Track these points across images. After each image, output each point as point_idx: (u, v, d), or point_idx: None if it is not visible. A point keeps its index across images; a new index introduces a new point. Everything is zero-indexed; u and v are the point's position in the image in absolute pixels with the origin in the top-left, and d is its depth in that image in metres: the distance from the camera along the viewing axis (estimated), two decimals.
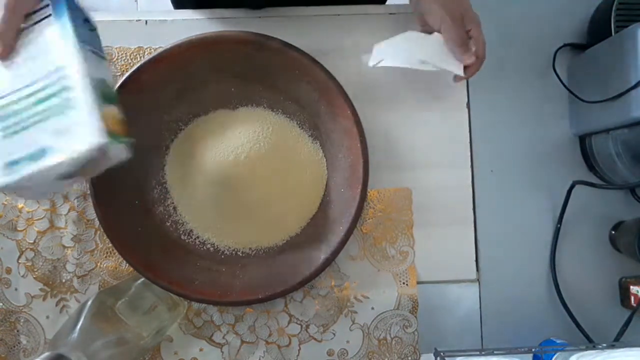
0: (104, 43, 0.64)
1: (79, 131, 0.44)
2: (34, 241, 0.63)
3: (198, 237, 0.64)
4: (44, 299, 0.63)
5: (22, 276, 0.63)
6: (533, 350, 0.57)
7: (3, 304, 0.63)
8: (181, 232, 0.64)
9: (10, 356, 0.63)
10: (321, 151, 0.65)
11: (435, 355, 0.56)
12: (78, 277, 0.63)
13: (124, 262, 0.62)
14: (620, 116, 0.58)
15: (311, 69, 0.61)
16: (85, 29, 0.49)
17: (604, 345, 0.55)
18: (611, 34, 0.61)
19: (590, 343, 0.62)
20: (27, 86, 0.46)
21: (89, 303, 0.56)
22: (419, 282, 0.65)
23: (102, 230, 0.62)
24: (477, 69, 0.59)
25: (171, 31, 0.65)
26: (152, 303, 0.60)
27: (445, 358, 0.55)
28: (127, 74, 0.60)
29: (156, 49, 0.64)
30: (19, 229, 0.63)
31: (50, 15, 0.47)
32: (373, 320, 0.65)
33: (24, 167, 0.44)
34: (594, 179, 0.66)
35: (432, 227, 0.65)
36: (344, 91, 0.62)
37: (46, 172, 0.44)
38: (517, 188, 0.67)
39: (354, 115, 0.61)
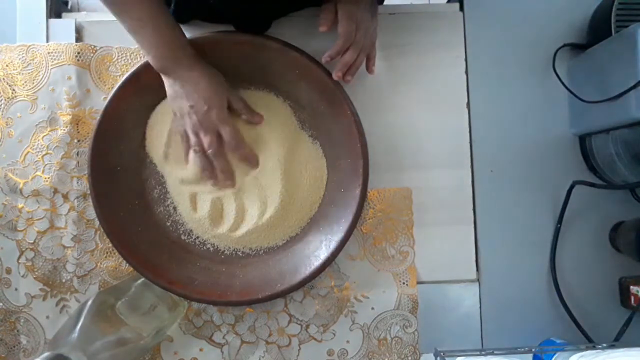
0: (104, 43, 0.64)
1: None
2: (34, 241, 0.63)
3: (198, 237, 0.64)
4: (44, 299, 0.63)
5: (22, 276, 0.63)
6: (533, 350, 0.57)
7: (3, 304, 0.63)
8: (181, 232, 0.64)
9: (10, 356, 0.63)
10: (321, 151, 0.65)
11: (435, 355, 0.56)
12: (78, 277, 0.63)
13: (124, 262, 0.62)
14: (620, 116, 0.58)
15: (311, 69, 0.61)
16: None
17: (604, 345, 0.55)
18: (611, 34, 0.61)
19: (590, 343, 0.62)
20: None
21: (89, 303, 0.56)
22: (419, 282, 0.65)
23: (102, 230, 0.62)
24: (343, 67, 0.59)
25: None
26: (152, 303, 0.60)
27: (445, 358, 0.55)
28: (127, 74, 0.60)
29: None
30: (19, 229, 0.63)
31: None
32: (373, 320, 0.64)
33: None
34: (594, 179, 0.66)
35: (432, 227, 0.65)
36: (344, 91, 0.62)
37: None
38: (517, 188, 0.67)
39: (354, 115, 0.61)
